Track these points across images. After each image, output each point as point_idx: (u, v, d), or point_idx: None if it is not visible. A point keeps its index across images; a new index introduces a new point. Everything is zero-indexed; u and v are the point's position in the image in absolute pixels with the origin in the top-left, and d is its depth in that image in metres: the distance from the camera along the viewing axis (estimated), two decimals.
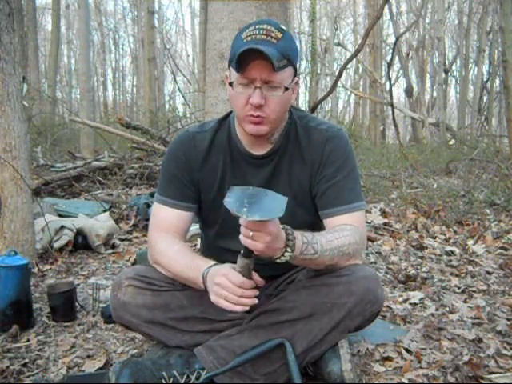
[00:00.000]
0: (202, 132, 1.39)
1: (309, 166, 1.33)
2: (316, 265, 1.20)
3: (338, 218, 1.28)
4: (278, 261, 1.09)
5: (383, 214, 3.86)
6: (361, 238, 1.26)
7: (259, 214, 0.98)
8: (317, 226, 1.35)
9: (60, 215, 3.23)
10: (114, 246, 2.98)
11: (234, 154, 1.36)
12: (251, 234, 1.01)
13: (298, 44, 1.28)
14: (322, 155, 1.32)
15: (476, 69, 16.30)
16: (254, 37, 1.17)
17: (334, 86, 5.25)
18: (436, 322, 1.76)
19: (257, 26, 1.19)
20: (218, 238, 1.43)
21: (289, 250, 1.08)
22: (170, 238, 1.33)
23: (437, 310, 1.90)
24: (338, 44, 19.33)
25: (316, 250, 1.13)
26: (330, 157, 1.31)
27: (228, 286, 1.09)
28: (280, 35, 1.18)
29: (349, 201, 1.29)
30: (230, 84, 1.23)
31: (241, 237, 1.04)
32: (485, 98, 15.93)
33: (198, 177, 1.37)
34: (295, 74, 1.26)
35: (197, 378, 1.24)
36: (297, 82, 1.29)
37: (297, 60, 1.25)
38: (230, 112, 1.40)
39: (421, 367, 1.43)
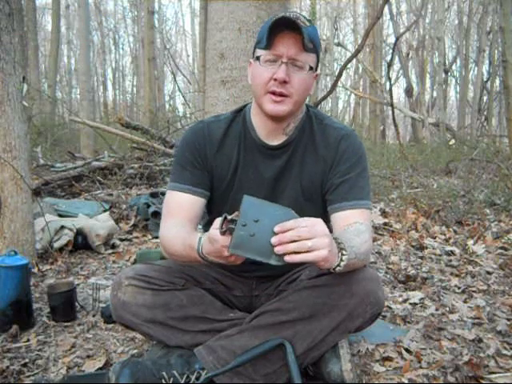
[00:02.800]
0: (217, 121, 1.39)
1: (322, 161, 1.34)
2: (351, 269, 1.18)
3: (349, 213, 1.28)
4: (337, 269, 1.06)
5: (383, 213, 3.86)
6: (372, 239, 1.27)
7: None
8: None
9: (60, 215, 3.23)
10: (113, 246, 2.98)
11: (248, 143, 1.36)
12: (310, 243, 0.95)
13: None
14: (337, 152, 1.33)
15: (476, 69, 16.30)
16: (284, 16, 1.18)
17: (334, 85, 5.25)
18: (436, 321, 1.76)
19: (287, 12, 1.21)
20: None
21: (344, 252, 1.06)
22: (174, 222, 1.30)
23: (437, 309, 1.90)
24: (338, 44, 19.31)
25: (356, 253, 1.12)
26: (345, 154, 1.32)
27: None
28: (308, 24, 1.21)
29: (359, 197, 1.29)
30: (258, 58, 1.24)
31: (294, 257, 0.95)
32: (485, 98, 15.92)
33: (211, 164, 1.36)
34: (317, 66, 1.28)
35: (197, 378, 1.24)
36: (317, 75, 1.30)
37: (320, 50, 1.27)
38: (245, 105, 1.42)
39: (421, 367, 1.43)
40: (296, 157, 1.35)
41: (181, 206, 1.33)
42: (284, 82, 1.20)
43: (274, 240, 0.95)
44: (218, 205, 1.41)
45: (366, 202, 1.30)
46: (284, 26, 1.17)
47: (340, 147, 1.33)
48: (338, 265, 1.06)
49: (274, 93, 1.22)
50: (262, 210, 0.98)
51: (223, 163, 1.36)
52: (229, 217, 0.99)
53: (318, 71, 1.32)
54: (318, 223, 0.99)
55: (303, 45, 1.17)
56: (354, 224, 1.24)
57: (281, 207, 1.00)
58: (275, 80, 1.20)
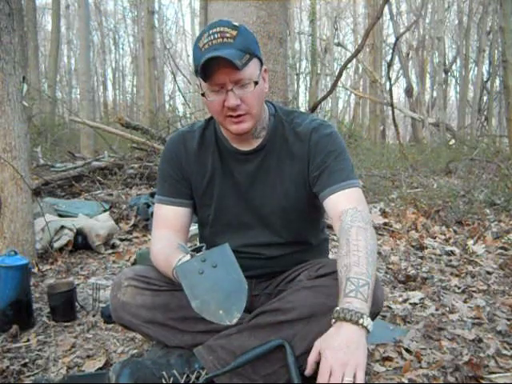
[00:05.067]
0: (192, 131, 1.41)
1: (299, 161, 1.34)
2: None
3: (334, 197, 1.26)
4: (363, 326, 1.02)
5: (383, 213, 3.86)
6: (364, 218, 1.21)
7: (236, 308, 1.00)
8: (310, 221, 1.37)
9: (60, 215, 3.23)
10: (114, 246, 2.98)
11: (221, 150, 1.38)
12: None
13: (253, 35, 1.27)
14: (310, 146, 1.32)
15: (476, 69, 16.30)
16: (210, 43, 1.17)
17: (334, 85, 5.25)
18: (436, 321, 1.76)
19: (210, 32, 1.19)
20: (212, 235, 1.44)
21: (365, 317, 1.01)
22: (161, 235, 1.36)
23: (437, 309, 1.90)
24: (338, 44, 19.32)
25: (367, 281, 1.07)
26: (318, 146, 1.31)
27: None
28: (235, 32, 1.19)
29: (340, 180, 1.27)
30: (203, 95, 1.24)
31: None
32: (485, 98, 15.93)
33: (189, 173, 1.39)
34: (261, 63, 1.27)
35: (197, 378, 1.24)
36: (265, 70, 1.29)
37: (258, 50, 1.25)
38: None
39: (421, 367, 1.43)
40: (270, 162, 1.35)
41: (165, 219, 1.39)
42: (237, 106, 1.20)
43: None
44: (201, 213, 1.44)
45: (350, 182, 1.27)
46: (215, 62, 1.14)
47: (311, 141, 1.32)
48: (365, 321, 1.01)
49: (231, 116, 1.23)
50: (226, 263, 1.03)
51: (199, 172, 1.38)
52: (204, 250, 1.06)
53: (265, 66, 1.30)
54: (359, 366, 0.97)
55: (239, 68, 1.15)
56: (342, 218, 1.20)
57: (241, 275, 1.04)
58: (228, 108, 1.20)
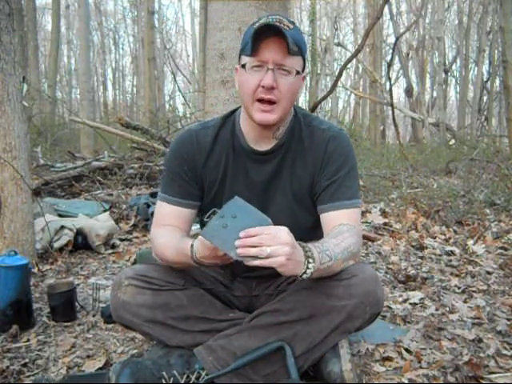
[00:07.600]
0: (205, 129, 1.39)
1: (310, 165, 1.34)
2: (331, 271, 1.19)
3: (334, 214, 1.29)
4: (304, 276, 1.06)
5: (383, 213, 3.86)
6: (358, 236, 1.26)
7: None
8: (318, 226, 1.35)
9: (60, 215, 3.23)
10: (113, 246, 2.98)
11: (236, 150, 1.36)
12: (269, 250, 0.98)
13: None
14: (324, 154, 1.33)
15: (476, 69, 16.31)
16: (267, 22, 1.18)
17: (334, 85, 5.26)
18: (436, 321, 1.76)
19: (269, 16, 1.20)
20: None
21: (310, 260, 1.06)
22: (163, 231, 1.35)
23: (437, 309, 1.90)
24: (338, 44, 19.32)
25: (330, 256, 1.12)
26: (332, 156, 1.32)
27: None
28: (291, 26, 1.20)
29: (346, 197, 1.29)
30: (243, 66, 1.23)
31: (252, 261, 0.99)
32: (485, 98, 15.93)
33: (201, 173, 1.37)
34: (303, 68, 1.27)
35: (197, 378, 1.24)
36: (304, 78, 1.30)
37: (306, 53, 1.27)
38: (235, 109, 1.41)
39: (421, 367, 1.43)
40: (286, 161, 1.35)
41: (169, 218, 1.38)
42: (271, 88, 1.19)
43: (237, 242, 0.99)
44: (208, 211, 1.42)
45: (353, 202, 1.30)
46: (267, 32, 1.16)
47: (328, 149, 1.33)
48: (305, 272, 1.06)
49: (261, 100, 1.22)
50: (243, 210, 1.06)
51: (212, 170, 1.37)
52: (217, 211, 1.08)
53: (305, 73, 1.32)
54: (281, 231, 1.01)
55: (288, 49, 1.16)
56: (338, 226, 1.25)
57: (261, 214, 1.06)
58: (263, 87, 1.19)
